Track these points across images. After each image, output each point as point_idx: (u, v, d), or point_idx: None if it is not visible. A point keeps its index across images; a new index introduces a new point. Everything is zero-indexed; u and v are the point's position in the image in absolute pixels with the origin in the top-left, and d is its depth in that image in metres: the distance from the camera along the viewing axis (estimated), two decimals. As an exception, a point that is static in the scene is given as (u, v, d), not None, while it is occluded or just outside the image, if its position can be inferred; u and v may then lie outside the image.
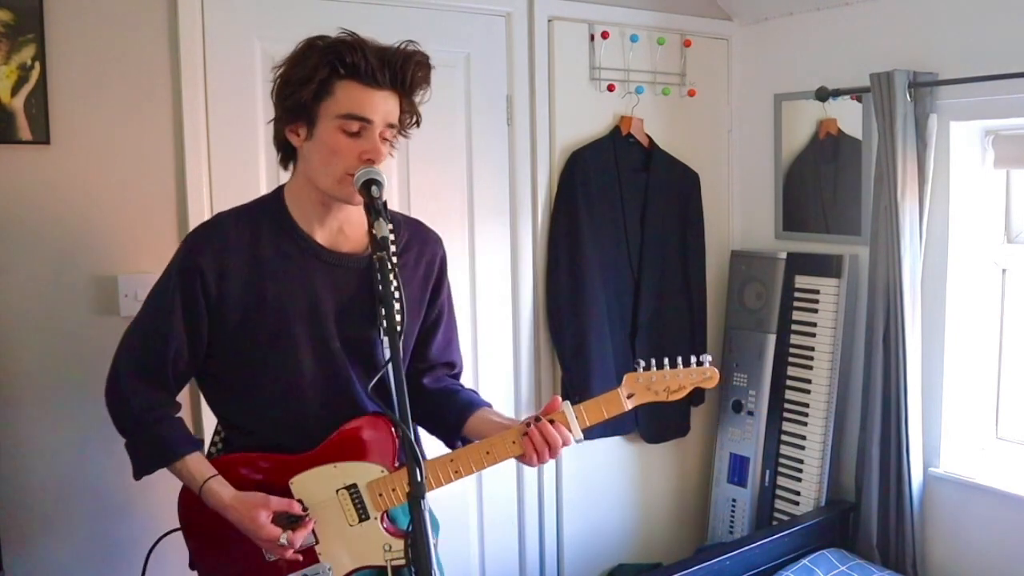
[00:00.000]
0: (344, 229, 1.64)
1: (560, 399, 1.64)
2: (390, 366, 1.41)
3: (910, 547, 2.65)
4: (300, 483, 1.59)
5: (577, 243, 2.81)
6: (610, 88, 2.89)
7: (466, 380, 2.79)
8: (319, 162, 1.55)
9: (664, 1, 2.99)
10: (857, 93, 2.76)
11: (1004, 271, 2.73)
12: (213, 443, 1.75)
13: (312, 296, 1.60)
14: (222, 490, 1.57)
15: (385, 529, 1.61)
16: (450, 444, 1.76)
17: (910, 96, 2.55)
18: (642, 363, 1.65)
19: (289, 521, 1.55)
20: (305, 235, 1.61)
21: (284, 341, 1.60)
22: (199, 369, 1.66)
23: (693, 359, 1.65)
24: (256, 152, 2.34)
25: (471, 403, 1.77)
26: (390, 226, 1.46)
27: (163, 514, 2.28)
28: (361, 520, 1.59)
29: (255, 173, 2.35)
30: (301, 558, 1.57)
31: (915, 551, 2.65)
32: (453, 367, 1.85)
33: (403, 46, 1.56)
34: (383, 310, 1.41)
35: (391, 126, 1.55)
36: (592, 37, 2.87)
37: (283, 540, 1.52)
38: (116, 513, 2.21)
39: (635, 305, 2.94)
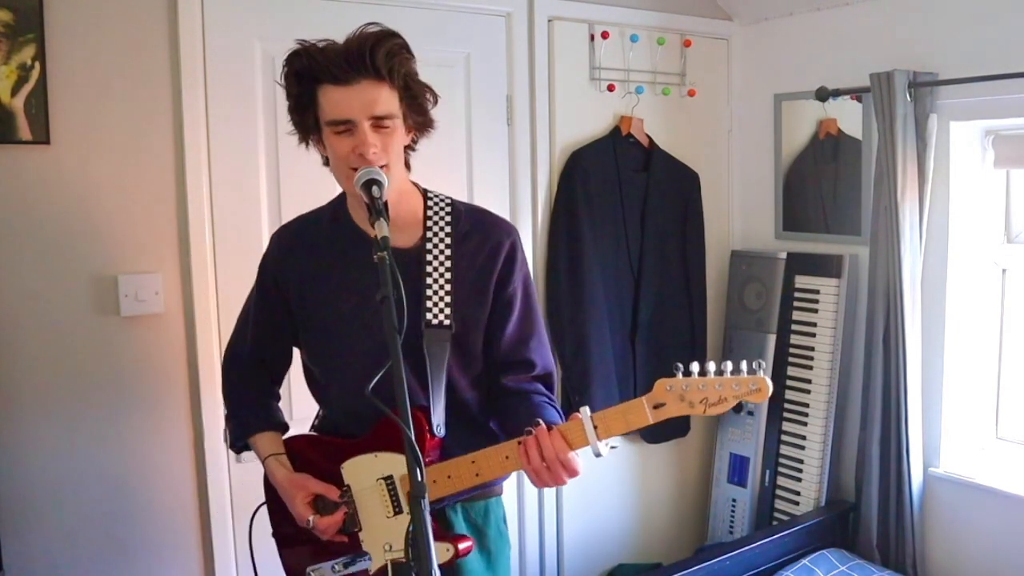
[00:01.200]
0: (397, 223, 1.60)
1: (583, 411, 1.47)
2: (393, 365, 1.40)
3: (910, 547, 2.65)
4: (349, 468, 1.63)
5: (577, 243, 2.81)
6: (610, 88, 2.89)
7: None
8: (334, 167, 1.60)
9: (664, 1, 2.99)
10: (857, 93, 2.75)
11: (1004, 271, 2.73)
12: (313, 423, 1.83)
13: (363, 287, 1.61)
14: (277, 468, 1.68)
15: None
16: None
17: (910, 96, 2.55)
18: (681, 367, 1.40)
19: (326, 506, 1.60)
20: (360, 230, 1.65)
21: (338, 333, 1.65)
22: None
23: (743, 365, 1.39)
24: (256, 152, 2.35)
25: (541, 417, 1.56)
26: (446, 217, 1.55)
27: (163, 513, 2.29)
28: (396, 513, 1.59)
29: (255, 173, 2.35)
30: (346, 540, 1.60)
31: (915, 551, 2.65)
32: (532, 367, 1.69)
33: (359, 31, 1.54)
34: (390, 309, 1.40)
35: (379, 116, 1.52)
36: (592, 37, 2.87)
37: (311, 522, 1.59)
38: (115, 512, 2.21)
39: (635, 305, 2.94)
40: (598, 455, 1.46)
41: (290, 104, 1.59)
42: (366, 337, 1.62)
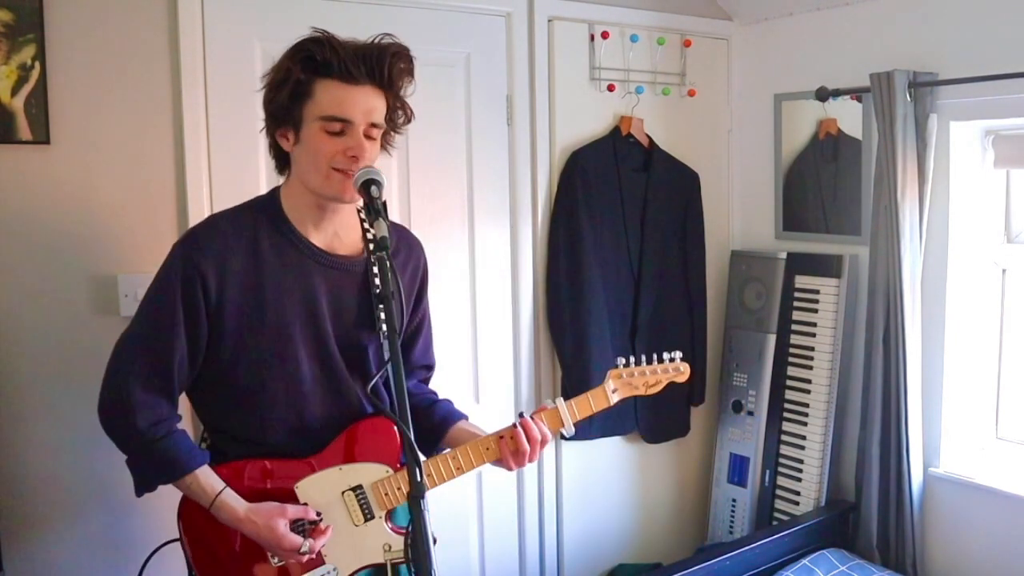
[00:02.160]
0: (339, 232, 1.65)
1: (559, 400, 1.72)
2: (389, 366, 1.41)
3: (910, 547, 2.65)
4: (305, 487, 1.60)
5: (577, 243, 2.81)
6: (610, 88, 2.89)
7: (466, 380, 2.82)
8: (307, 163, 1.55)
9: (664, 1, 2.99)
10: (857, 93, 2.75)
11: (1004, 271, 2.73)
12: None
13: (310, 298, 1.61)
14: (236, 504, 1.55)
15: (390, 528, 1.62)
16: (426, 454, 1.74)
17: (910, 96, 2.55)
18: (622, 360, 1.79)
19: (304, 527, 1.57)
20: (301, 237, 1.61)
21: (284, 343, 1.60)
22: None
23: (666, 356, 1.80)
24: (256, 152, 2.34)
25: (450, 415, 1.81)
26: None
27: (163, 514, 2.28)
28: (367, 520, 1.61)
29: (255, 173, 2.34)
30: (313, 558, 1.58)
31: (915, 551, 2.65)
32: (431, 369, 1.92)
33: (378, 39, 1.55)
34: (382, 311, 1.41)
35: (374, 125, 1.54)
36: (592, 37, 2.87)
37: (305, 548, 1.52)
38: (115, 513, 2.21)
39: (635, 305, 2.94)
40: (570, 434, 1.74)
41: (284, 89, 1.52)
42: (315, 349, 1.62)
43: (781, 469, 2.99)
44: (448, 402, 1.87)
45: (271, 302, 1.58)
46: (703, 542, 3.24)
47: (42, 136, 2.04)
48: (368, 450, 1.62)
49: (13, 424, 2.08)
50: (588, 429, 2.80)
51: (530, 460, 1.66)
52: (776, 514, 3.00)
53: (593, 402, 1.74)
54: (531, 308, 2.84)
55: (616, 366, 1.78)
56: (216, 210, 2.26)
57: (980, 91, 2.44)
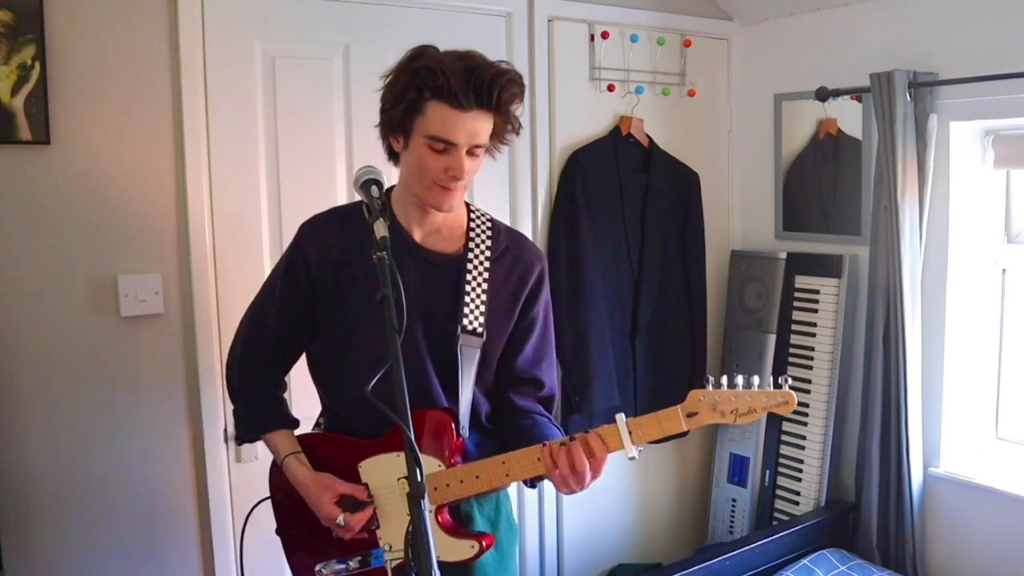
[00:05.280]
0: (442, 230, 1.72)
1: (619, 417, 1.56)
2: (393, 365, 1.41)
3: (910, 547, 2.65)
4: (368, 467, 1.66)
5: (577, 243, 2.80)
6: (610, 88, 2.89)
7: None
8: (412, 171, 1.62)
9: (664, 1, 2.99)
10: (857, 93, 2.75)
11: (1004, 271, 2.73)
12: (316, 424, 1.84)
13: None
14: (298, 468, 1.68)
15: (440, 524, 1.63)
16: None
17: (910, 96, 2.55)
18: (711, 379, 1.53)
19: (353, 505, 1.61)
20: (404, 230, 1.68)
21: (368, 327, 1.63)
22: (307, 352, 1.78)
23: (770, 380, 1.53)
24: (256, 152, 2.35)
25: (544, 435, 1.70)
26: (486, 232, 1.62)
27: (163, 513, 2.29)
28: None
29: (255, 173, 2.35)
30: (366, 536, 1.63)
31: (915, 551, 2.65)
32: (541, 387, 1.80)
33: (493, 66, 1.57)
34: (392, 309, 1.41)
35: (478, 146, 1.59)
36: (592, 37, 2.87)
37: (340, 520, 1.60)
38: (115, 512, 2.21)
39: (635, 305, 2.94)
40: (631, 458, 1.57)
41: (398, 106, 1.57)
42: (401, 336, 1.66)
43: (781, 469, 2.99)
44: (555, 425, 1.77)
45: (361, 287, 1.64)
46: (703, 542, 3.24)
47: (42, 136, 2.04)
48: (427, 442, 1.64)
49: (12, 423, 2.08)
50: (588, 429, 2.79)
51: (578, 484, 1.56)
52: (776, 514, 3.00)
53: (663, 425, 1.53)
54: (531, 308, 2.84)
55: (703, 385, 1.52)
56: (216, 210, 2.29)
57: (980, 91, 2.44)
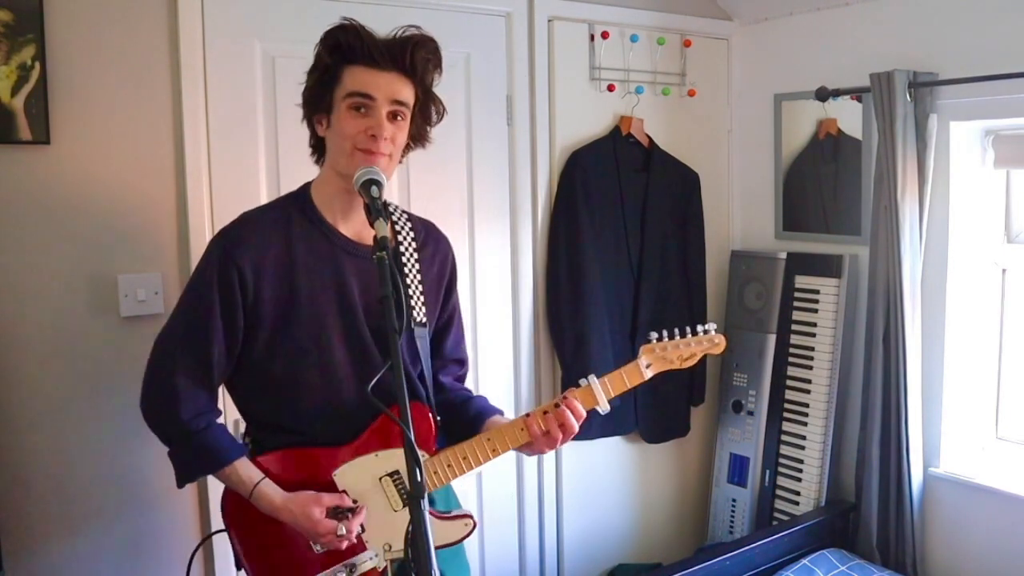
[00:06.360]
0: (367, 223, 1.64)
1: (591, 378, 1.70)
2: (393, 365, 1.41)
3: (910, 547, 2.65)
4: (343, 474, 1.63)
5: (577, 243, 2.81)
6: (610, 88, 2.89)
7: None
8: (335, 146, 1.61)
9: (664, 1, 2.99)
10: (857, 93, 2.75)
11: (1004, 271, 2.73)
12: (244, 445, 1.73)
13: (342, 287, 1.64)
14: (275, 493, 1.59)
15: (428, 512, 1.62)
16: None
17: (910, 96, 2.55)
18: (655, 335, 1.75)
19: (343, 513, 1.59)
20: (331, 227, 1.66)
21: (319, 333, 1.63)
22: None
23: (700, 328, 1.76)
24: (256, 152, 2.34)
25: (484, 410, 1.81)
26: (407, 224, 1.57)
27: (163, 513, 2.29)
28: (405, 504, 1.62)
29: (255, 173, 2.35)
30: (355, 543, 1.61)
31: (915, 551, 2.65)
32: (463, 364, 1.92)
33: (403, 30, 1.63)
34: (392, 309, 1.41)
35: (398, 103, 1.59)
36: (592, 37, 2.87)
37: (341, 531, 1.56)
38: (115, 512, 2.21)
39: (635, 305, 2.94)
40: (605, 412, 1.70)
41: (315, 75, 1.60)
42: (348, 338, 1.65)
43: (781, 469, 2.99)
44: (483, 398, 1.87)
45: (305, 292, 1.62)
46: (703, 542, 3.24)
47: (42, 136, 2.04)
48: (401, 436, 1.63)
49: (13, 424, 2.08)
50: (588, 429, 2.78)
51: (561, 443, 1.66)
52: (776, 514, 3.00)
53: (627, 378, 1.71)
54: (531, 308, 2.84)
55: (648, 341, 1.74)
56: (216, 210, 2.28)
57: (980, 91, 2.44)
